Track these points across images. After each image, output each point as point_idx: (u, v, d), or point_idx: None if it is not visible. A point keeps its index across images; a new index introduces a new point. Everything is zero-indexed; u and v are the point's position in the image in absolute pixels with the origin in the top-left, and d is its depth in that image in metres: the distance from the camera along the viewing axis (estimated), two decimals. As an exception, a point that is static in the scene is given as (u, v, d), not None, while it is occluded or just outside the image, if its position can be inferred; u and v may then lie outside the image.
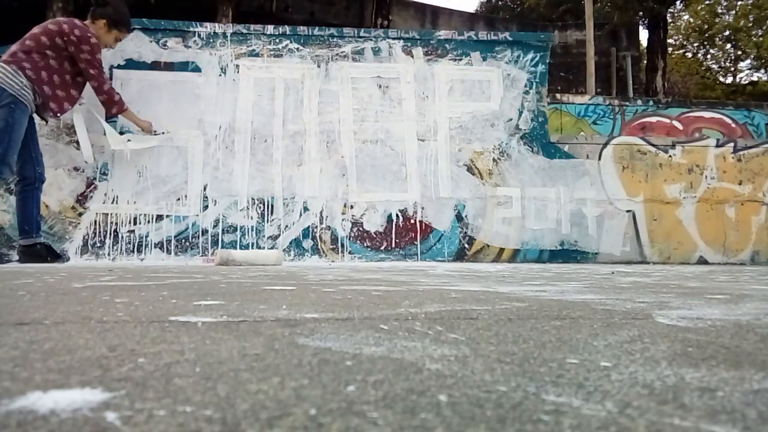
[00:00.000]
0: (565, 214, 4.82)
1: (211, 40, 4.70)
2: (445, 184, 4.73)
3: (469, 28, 11.63)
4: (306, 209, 4.56)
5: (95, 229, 4.35)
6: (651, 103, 5.37)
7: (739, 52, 21.10)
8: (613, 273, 2.82)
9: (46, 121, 4.09)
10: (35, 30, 3.74)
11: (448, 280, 2.03)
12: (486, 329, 0.79)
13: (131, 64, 4.58)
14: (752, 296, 1.42)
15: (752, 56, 20.38)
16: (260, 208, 4.52)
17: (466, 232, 4.69)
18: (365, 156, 4.70)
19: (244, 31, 4.77)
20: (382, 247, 4.57)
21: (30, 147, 3.70)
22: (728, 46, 21.47)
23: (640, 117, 5.18)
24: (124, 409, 0.39)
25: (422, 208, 4.67)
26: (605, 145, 5.02)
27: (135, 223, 4.40)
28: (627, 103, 5.27)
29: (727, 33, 20.79)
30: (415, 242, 4.62)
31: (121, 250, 4.33)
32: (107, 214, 4.38)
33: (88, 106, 4.53)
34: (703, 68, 21.43)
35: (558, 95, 5.32)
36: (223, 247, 4.36)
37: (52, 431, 0.35)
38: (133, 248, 4.34)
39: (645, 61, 13.59)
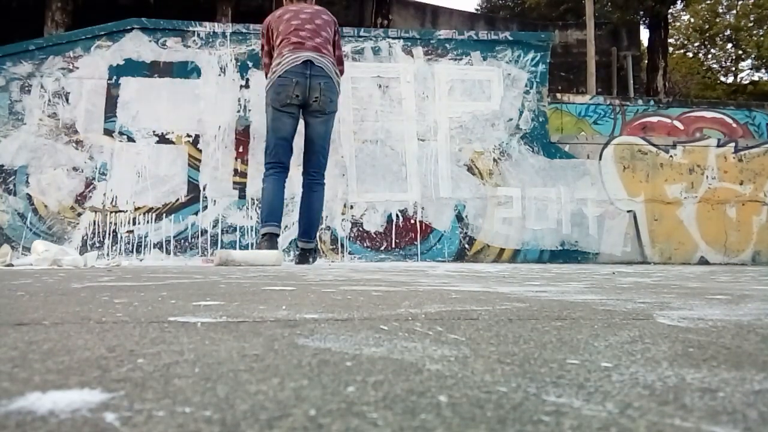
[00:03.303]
0: (565, 214, 4.82)
1: (211, 40, 4.70)
2: (445, 184, 4.73)
3: (470, 28, 11.62)
4: (306, 209, 4.56)
5: (94, 229, 4.35)
6: (652, 102, 5.37)
7: (740, 52, 21.11)
8: (613, 273, 2.81)
9: None
10: (317, 21, 3.73)
11: (448, 280, 2.03)
12: (486, 330, 0.79)
13: (130, 64, 4.58)
14: (753, 296, 1.42)
15: (753, 56, 20.38)
16: (260, 208, 4.52)
17: (466, 233, 4.69)
18: (365, 156, 4.70)
19: (244, 30, 4.76)
20: (382, 248, 4.57)
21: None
22: (729, 45, 21.47)
23: (641, 117, 5.17)
24: (124, 410, 0.39)
25: (422, 208, 4.67)
26: (606, 144, 5.01)
27: (134, 223, 4.40)
28: (628, 103, 5.27)
29: (728, 33, 20.80)
30: (415, 242, 4.62)
31: (120, 250, 4.33)
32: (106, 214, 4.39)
33: (87, 104, 4.54)
34: (703, 68, 21.44)
35: (558, 95, 5.32)
36: (222, 247, 4.36)
37: (50, 432, 0.34)
38: (132, 248, 4.34)
39: (646, 61, 13.59)
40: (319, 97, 3.60)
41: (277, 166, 3.70)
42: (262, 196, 3.80)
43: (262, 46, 3.92)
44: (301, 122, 3.78)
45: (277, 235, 3.69)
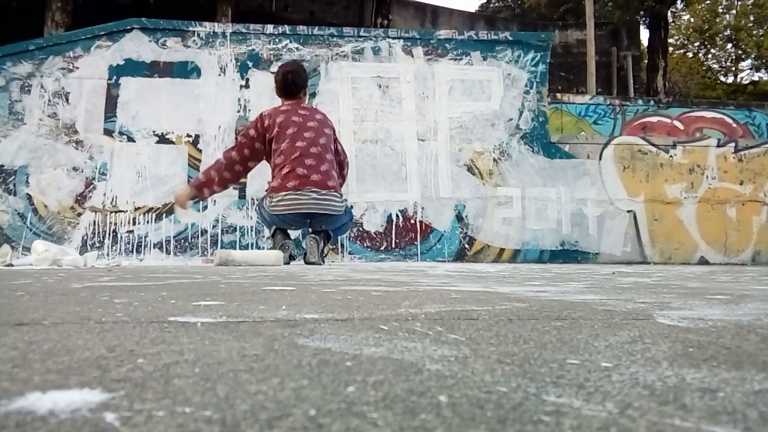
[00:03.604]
0: (565, 214, 4.82)
1: (211, 40, 4.70)
2: (445, 184, 4.73)
3: (470, 28, 11.61)
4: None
5: (94, 229, 4.34)
6: (652, 102, 5.37)
7: (740, 52, 21.11)
8: (613, 273, 2.81)
9: None
10: (321, 140, 3.53)
11: (448, 280, 2.03)
12: (486, 330, 0.79)
13: (130, 64, 4.58)
14: (753, 296, 1.42)
15: (753, 56, 20.39)
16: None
17: (466, 233, 4.69)
18: (365, 156, 4.70)
19: (244, 30, 4.77)
20: (382, 248, 4.57)
21: None
22: (729, 45, 21.48)
23: (641, 117, 5.17)
24: (123, 410, 0.39)
25: (422, 208, 4.67)
26: (606, 145, 5.01)
27: (134, 223, 4.40)
28: (628, 103, 5.27)
29: (728, 32, 20.80)
30: (415, 242, 4.62)
31: (120, 250, 4.33)
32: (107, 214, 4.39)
33: (87, 104, 4.54)
34: (703, 68, 21.45)
35: (558, 95, 5.33)
36: (222, 247, 4.36)
37: (50, 432, 0.34)
38: (132, 248, 4.34)
39: (646, 61, 13.60)
40: (323, 224, 3.59)
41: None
42: (266, 223, 3.79)
43: (246, 133, 3.62)
44: None
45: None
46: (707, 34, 20.86)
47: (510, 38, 5.04)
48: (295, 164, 3.44)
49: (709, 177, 5.09)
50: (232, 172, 3.57)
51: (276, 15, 10.79)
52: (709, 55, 22.36)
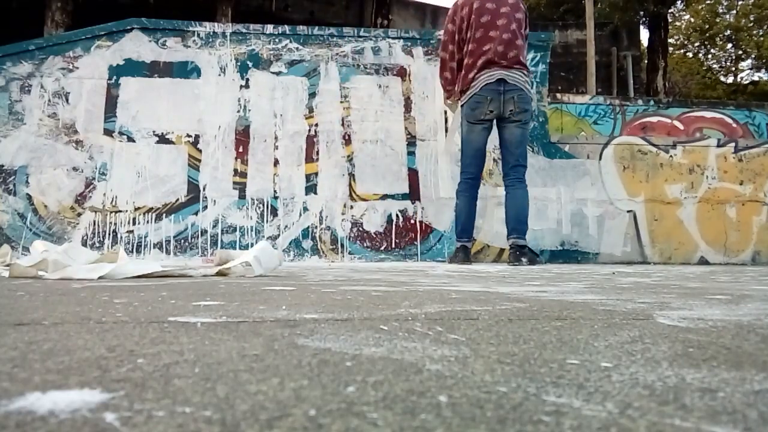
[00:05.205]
0: (565, 214, 4.81)
1: (211, 40, 4.70)
2: (445, 184, 4.72)
3: (470, 28, 11.59)
4: (305, 209, 4.56)
5: (94, 229, 4.34)
6: (652, 102, 5.37)
7: (740, 52, 21.12)
8: (613, 273, 2.81)
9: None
10: (513, 26, 3.81)
11: (448, 280, 2.03)
12: (486, 330, 0.79)
13: (130, 64, 4.58)
14: (753, 297, 1.42)
15: (753, 56, 20.40)
16: (260, 208, 4.52)
17: (466, 232, 4.68)
18: (365, 156, 4.70)
19: (244, 30, 4.77)
20: (382, 248, 4.57)
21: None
22: (729, 45, 21.49)
23: (641, 117, 5.17)
24: (123, 410, 0.39)
25: (422, 208, 4.67)
26: (606, 145, 5.01)
27: (134, 223, 4.40)
28: (628, 103, 5.27)
29: (728, 33, 20.81)
30: (415, 242, 4.62)
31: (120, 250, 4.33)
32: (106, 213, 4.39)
33: (87, 104, 4.54)
34: (704, 68, 21.45)
35: (558, 95, 5.32)
36: (222, 247, 4.36)
37: (50, 432, 0.34)
38: (132, 248, 4.34)
39: (646, 61, 13.60)
40: (514, 110, 3.83)
41: (470, 180, 3.96)
42: (456, 213, 4.04)
43: (446, 29, 4.01)
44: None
45: (469, 248, 3.98)
46: (707, 34, 20.86)
47: (510, 38, 5.03)
48: (486, 52, 3.79)
49: (709, 177, 5.09)
50: (450, 71, 4.02)
51: (276, 15, 10.79)
52: (709, 55, 22.37)
